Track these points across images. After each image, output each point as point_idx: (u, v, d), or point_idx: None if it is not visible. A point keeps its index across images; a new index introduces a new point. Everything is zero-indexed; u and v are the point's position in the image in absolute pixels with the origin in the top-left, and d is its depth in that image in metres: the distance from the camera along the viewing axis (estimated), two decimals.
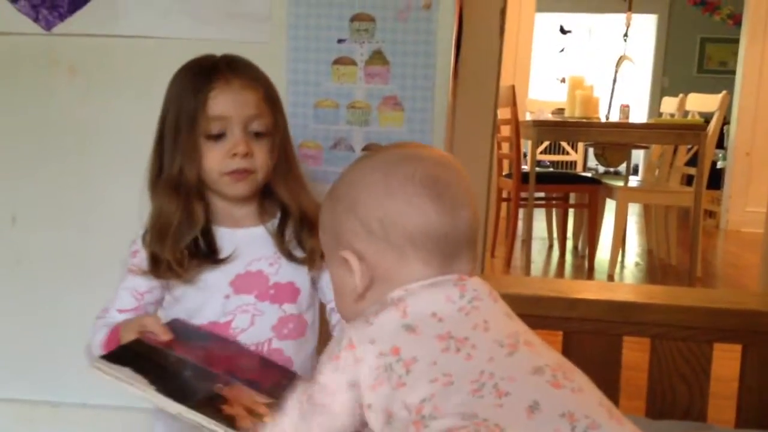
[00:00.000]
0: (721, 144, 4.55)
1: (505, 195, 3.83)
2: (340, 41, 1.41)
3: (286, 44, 1.42)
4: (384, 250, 0.72)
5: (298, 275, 1.06)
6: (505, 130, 3.58)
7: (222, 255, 1.02)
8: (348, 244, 0.74)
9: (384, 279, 0.72)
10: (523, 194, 3.47)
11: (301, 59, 1.42)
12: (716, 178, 4.99)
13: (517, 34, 4.51)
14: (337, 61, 1.42)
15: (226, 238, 1.03)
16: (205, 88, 0.99)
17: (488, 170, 2.02)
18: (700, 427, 1.08)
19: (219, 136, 1.00)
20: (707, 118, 3.52)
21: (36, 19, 1.46)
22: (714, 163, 4.64)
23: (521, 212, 3.60)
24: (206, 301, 1.02)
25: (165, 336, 0.94)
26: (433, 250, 0.71)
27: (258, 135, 1.02)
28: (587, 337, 1.09)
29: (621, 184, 3.78)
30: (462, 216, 0.72)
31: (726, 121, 4.61)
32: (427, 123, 1.41)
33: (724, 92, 3.50)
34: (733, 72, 5.15)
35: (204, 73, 1.01)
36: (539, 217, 4.14)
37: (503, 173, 3.82)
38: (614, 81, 4.16)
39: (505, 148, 3.70)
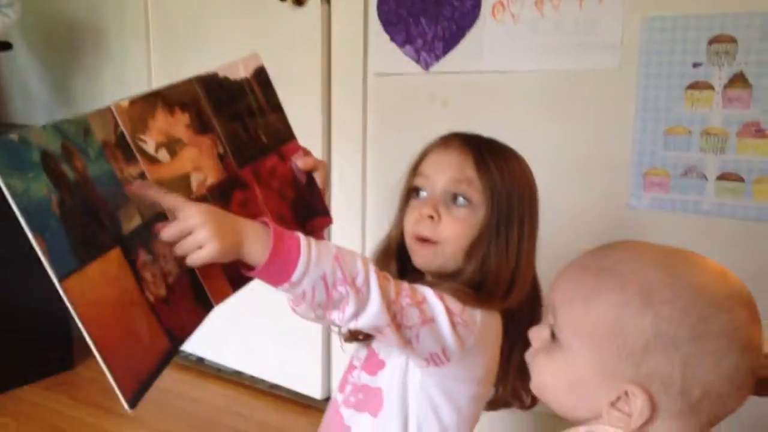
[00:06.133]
0: None
1: None
2: (695, 65, 1.35)
3: (636, 70, 1.41)
4: (680, 418, 0.64)
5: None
6: None
7: None
8: (645, 385, 0.64)
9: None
10: None
11: (653, 85, 1.40)
12: None
13: None
14: (692, 86, 1.36)
15: None
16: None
17: None
18: None
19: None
20: None
21: (417, 61, 1.71)
22: None
23: None
24: None
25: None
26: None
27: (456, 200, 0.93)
28: None
29: None
30: None
31: None
32: None
33: None
34: None
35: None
36: None
37: None
38: None
39: None
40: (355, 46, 1.79)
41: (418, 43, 1.71)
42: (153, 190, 0.74)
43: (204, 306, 0.79)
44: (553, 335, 0.72)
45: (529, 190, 0.97)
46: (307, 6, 1.82)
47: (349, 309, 0.78)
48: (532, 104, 1.57)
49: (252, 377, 2.10)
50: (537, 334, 0.75)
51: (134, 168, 0.74)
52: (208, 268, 0.76)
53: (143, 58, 2.15)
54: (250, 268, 0.74)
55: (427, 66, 1.70)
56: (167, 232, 0.72)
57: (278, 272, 0.74)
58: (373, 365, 0.96)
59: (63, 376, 2.11)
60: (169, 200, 0.73)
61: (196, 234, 0.70)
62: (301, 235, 0.76)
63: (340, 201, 1.88)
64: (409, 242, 0.96)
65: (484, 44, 1.61)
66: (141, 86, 2.13)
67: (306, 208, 0.96)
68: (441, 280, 0.93)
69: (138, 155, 0.75)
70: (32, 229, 0.60)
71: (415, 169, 0.99)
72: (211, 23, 2.00)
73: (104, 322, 0.65)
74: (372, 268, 0.80)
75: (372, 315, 0.79)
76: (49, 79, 2.42)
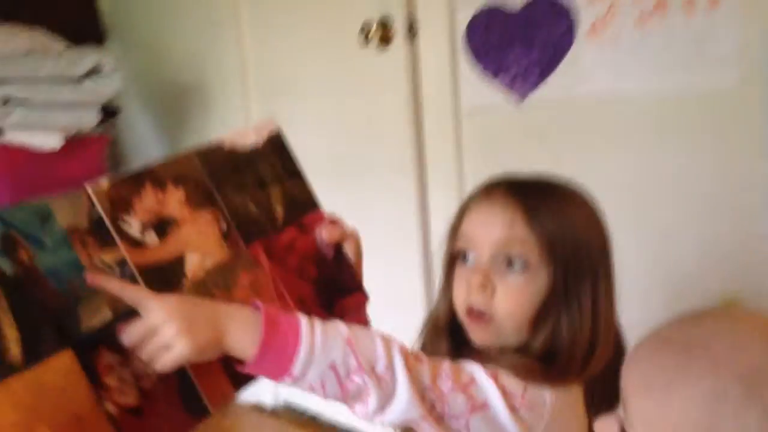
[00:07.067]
0: None
1: None
2: None
3: (760, 86, 1.20)
4: None
5: None
6: None
7: None
8: None
9: None
10: None
11: None
12: None
13: None
14: None
15: None
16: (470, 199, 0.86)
17: None
18: None
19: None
20: None
21: (511, 91, 1.59)
22: None
23: None
24: None
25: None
26: None
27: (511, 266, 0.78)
28: None
29: None
30: None
31: None
32: None
33: None
34: None
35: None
36: None
37: None
38: None
39: None
40: (445, 82, 1.69)
41: (512, 72, 1.58)
42: (111, 281, 0.64)
43: (194, 412, 0.68)
44: (623, 431, 0.59)
45: (598, 236, 0.81)
46: (393, 45, 1.75)
47: (372, 401, 0.65)
48: (641, 132, 1.39)
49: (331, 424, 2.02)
50: (604, 429, 0.62)
51: (111, 254, 0.66)
52: (201, 364, 0.66)
53: (244, 114, 2.18)
54: (243, 362, 0.64)
55: (522, 96, 1.56)
56: (128, 335, 0.62)
57: (274, 366, 0.63)
58: None
59: None
60: (130, 293, 0.64)
61: (161, 333, 0.61)
62: (303, 318, 0.65)
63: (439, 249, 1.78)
64: (462, 317, 0.82)
65: (583, 68, 1.45)
66: None
67: (334, 286, 0.84)
68: (502, 354, 0.79)
69: (118, 239, 0.67)
70: None
71: (455, 230, 0.85)
72: (304, 76, 1.99)
73: None
74: (396, 349, 0.67)
75: (402, 407, 0.66)
76: (164, 140, 2.51)
